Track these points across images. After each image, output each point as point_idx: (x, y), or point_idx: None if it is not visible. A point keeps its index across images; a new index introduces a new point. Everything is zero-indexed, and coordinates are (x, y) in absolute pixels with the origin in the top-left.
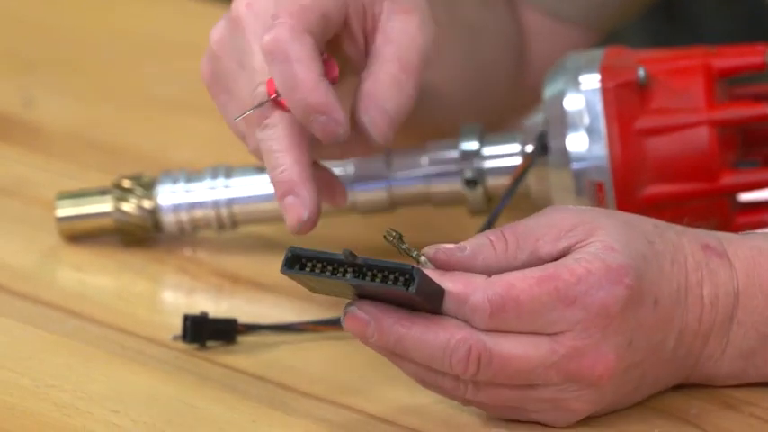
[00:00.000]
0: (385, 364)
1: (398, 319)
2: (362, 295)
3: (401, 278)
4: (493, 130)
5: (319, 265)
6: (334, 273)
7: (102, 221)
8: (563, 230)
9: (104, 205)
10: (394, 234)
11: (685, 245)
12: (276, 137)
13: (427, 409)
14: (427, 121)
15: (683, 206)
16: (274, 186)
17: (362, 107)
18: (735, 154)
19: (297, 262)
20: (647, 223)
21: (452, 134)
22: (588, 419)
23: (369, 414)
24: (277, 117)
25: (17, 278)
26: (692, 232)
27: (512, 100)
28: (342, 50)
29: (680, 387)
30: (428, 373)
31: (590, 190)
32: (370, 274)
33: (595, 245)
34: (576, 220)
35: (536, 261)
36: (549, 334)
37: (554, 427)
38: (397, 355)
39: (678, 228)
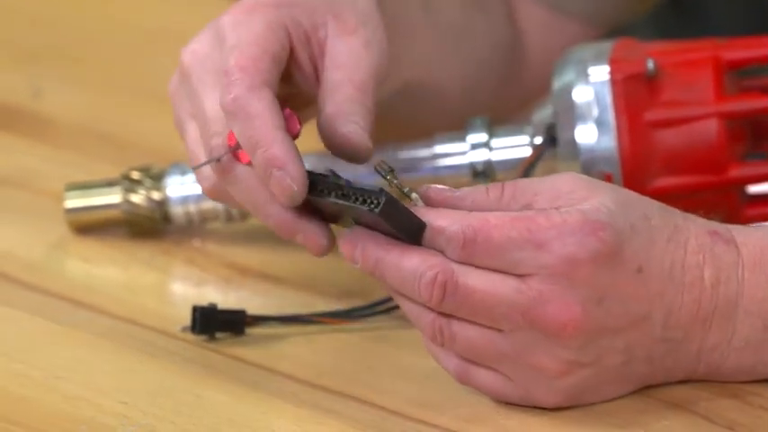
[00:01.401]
0: (394, 356)
1: (381, 244)
2: (359, 223)
3: (371, 200)
4: (501, 121)
5: (310, 183)
6: (320, 192)
7: (110, 213)
8: (562, 192)
9: (113, 197)
10: (386, 167)
11: (690, 228)
12: (243, 190)
13: (437, 402)
14: (421, 120)
15: (692, 198)
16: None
17: (337, 124)
18: (743, 146)
19: None
20: (653, 204)
21: (461, 126)
22: (594, 409)
23: (378, 406)
24: (242, 173)
25: (25, 269)
26: (701, 220)
27: (505, 96)
28: (292, 79)
29: (689, 379)
30: (404, 302)
31: None
32: (351, 194)
33: (584, 205)
34: (577, 185)
35: None
36: (517, 275)
37: (564, 420)
38: (377, 278)
39: (689, 215)
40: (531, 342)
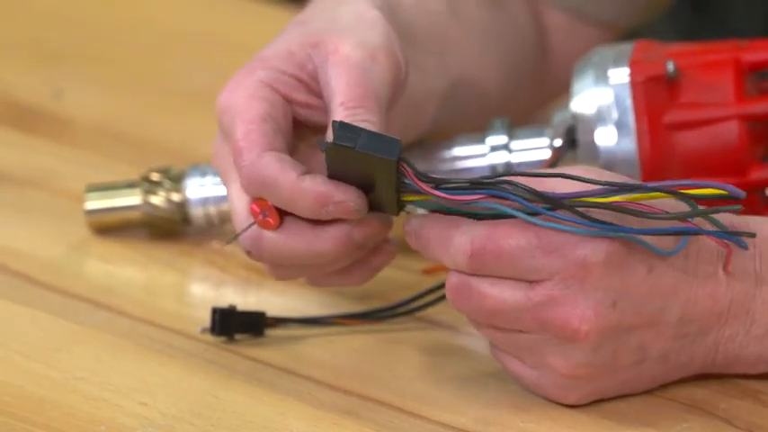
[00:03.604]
0: (414, 358)
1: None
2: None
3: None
4: (520, 123)
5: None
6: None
7: (130, 214)
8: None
9: (133, 198)
10: None
11: (704, 223)
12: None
13: (456, 404)
14: (466, 123)
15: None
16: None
17: None
18: (764, 148)
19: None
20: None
21: (481, 128)
22: (613, 411)
23: (397, 407)
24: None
25: (45, 270)
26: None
27: (537, 96)
28: (312, 121)
29: (709, 381)
30: None
31: None
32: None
33: None
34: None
35: None
36: (528, 281)
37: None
38: None
39: None
40: (546, 344)
